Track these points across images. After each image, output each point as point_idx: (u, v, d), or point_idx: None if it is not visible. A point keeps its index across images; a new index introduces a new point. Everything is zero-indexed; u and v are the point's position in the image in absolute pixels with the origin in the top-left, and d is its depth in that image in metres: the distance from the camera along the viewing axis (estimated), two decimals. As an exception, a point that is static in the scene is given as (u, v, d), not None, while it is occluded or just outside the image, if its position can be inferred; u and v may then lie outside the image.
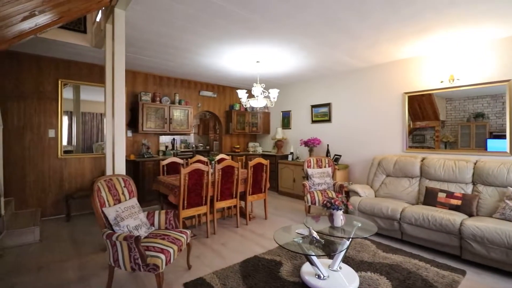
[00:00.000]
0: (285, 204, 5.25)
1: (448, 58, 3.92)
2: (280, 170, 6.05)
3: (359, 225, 2.63)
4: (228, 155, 5.82)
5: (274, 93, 4.36)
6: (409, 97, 4.35)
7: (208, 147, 9.64)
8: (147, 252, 2.04)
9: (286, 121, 6.67)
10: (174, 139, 6.13)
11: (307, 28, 3.20)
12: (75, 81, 4.53)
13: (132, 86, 5.18)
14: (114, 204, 2.33)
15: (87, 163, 4.67)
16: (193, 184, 3.31)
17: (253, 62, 4.56)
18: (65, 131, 4.49)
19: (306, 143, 5.67)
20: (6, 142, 3.91)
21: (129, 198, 2.53)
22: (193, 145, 9.42)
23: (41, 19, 1.99)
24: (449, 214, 2.98)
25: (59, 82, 4.38)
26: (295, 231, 2.51)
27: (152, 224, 2.58)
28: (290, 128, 6.54)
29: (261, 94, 4.36)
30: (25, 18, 1.85)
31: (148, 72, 5.37)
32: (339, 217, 2.49)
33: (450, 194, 3.31)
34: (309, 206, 4.28)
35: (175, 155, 5.30)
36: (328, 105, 5.64)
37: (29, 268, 2.68)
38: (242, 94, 4.46)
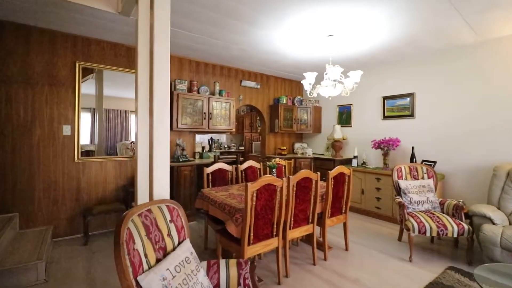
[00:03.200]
0: (357, 224, 4.04)
1: None
2: (341, 178, 4.84)
3: None
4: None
5: (356, 76, 3.18)
6: None
7: (242, 148, 8.54)
8: None
9: (344, 118, 5.44)
10: (211, 138, 5.09)
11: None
12: (96, 64, 3.59)
13: (165, 73, 4.17)
14: (157, 260, 1.26)
15: (110, 168, 3.72)
16: (262, 207, 2.21)
17: (323, 35, 3.38)
18: (87, 129, 3.57)
19: (379, 145, 4.43)
20: (9, 141, 3.02)
21: (179, 242, 1.45)
22: (225, 145, 8.37)
23: None
24: None
25: (77, 65, 3.44)
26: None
27: (217, 287, 1.49)
28: (351, 126, 5.31)
29: (340, 78, 3.20)
30: None
31: (183, 56, 4.35)
32: None
33: None
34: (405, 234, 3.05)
35: (216, 158, 4.24)
36: (410, 95, 4.35)
37: None
38: (311, 77, 3.30)
